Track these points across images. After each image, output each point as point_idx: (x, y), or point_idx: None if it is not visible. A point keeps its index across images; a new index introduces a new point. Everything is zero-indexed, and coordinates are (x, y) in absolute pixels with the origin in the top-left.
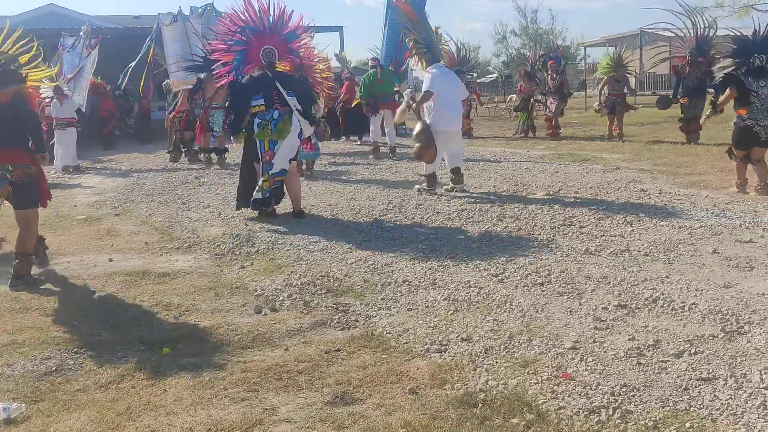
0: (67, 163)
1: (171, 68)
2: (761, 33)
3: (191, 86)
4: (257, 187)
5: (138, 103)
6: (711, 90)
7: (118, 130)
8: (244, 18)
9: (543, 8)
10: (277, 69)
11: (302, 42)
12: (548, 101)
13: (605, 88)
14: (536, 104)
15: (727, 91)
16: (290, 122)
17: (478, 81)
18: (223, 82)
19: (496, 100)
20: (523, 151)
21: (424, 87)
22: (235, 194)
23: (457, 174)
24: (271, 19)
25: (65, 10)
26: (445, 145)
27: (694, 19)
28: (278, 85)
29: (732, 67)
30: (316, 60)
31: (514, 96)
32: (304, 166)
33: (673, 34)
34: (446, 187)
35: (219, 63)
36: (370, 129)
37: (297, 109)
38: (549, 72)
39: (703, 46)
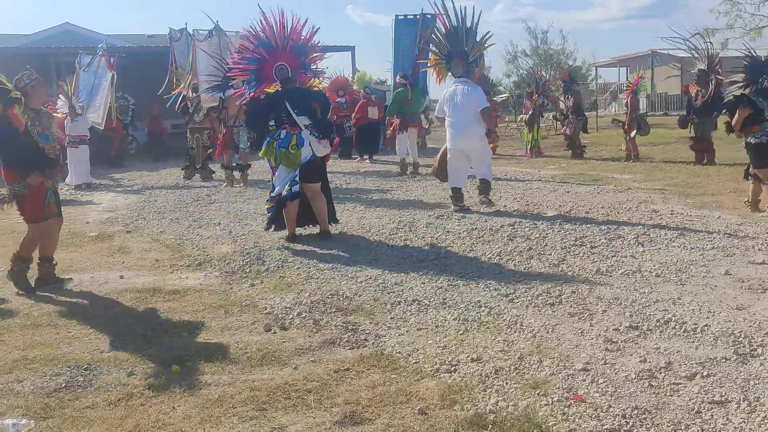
0: (80, 181)
1: (202, 85)
2: None
3: (215, 104)
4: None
5: (149, 121)
6: (723, 111)
7: (134, 149)
8: (260, 34)
9: (554, 29)
10: (291, 86)
11: (314, 56)
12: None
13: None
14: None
15: (739, 111)
16: (299, 148)
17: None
18: (242, 101)
19: (506, 119)
20: (534, 170)
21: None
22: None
23: (483, 185)
24: (285, 34)
25: (81, 29)
26: (464, 163)
27: (705, 39)
28: (287, 104)
29: (740, 85)
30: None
31: (524, 116)
32: None
33: (688, 54)
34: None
35: (237, 80)
36: (397, 146)
37: (309, 127)
38: (563, 93)
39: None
